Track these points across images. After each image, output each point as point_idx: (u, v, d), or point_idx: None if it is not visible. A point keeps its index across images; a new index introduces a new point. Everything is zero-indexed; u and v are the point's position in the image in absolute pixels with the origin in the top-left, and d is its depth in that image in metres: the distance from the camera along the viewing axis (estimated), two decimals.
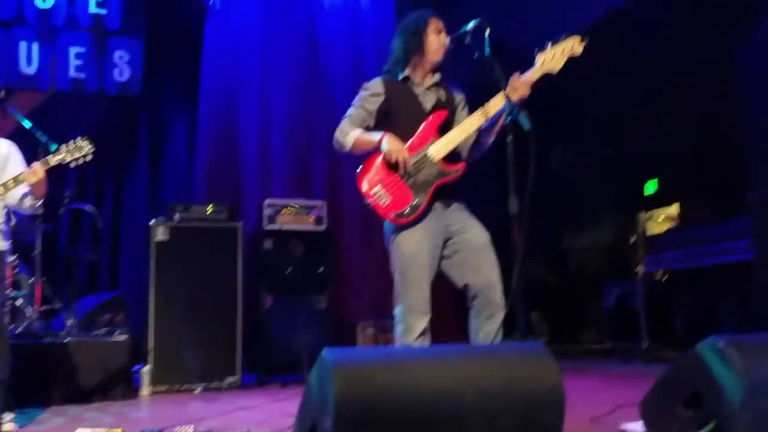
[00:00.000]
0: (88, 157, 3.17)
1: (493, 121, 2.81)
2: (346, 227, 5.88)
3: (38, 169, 3.10)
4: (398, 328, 2.77)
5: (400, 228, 2.79)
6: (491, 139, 2.89)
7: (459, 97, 3.04)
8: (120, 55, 5.78)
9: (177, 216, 4.82)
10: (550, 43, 2.77)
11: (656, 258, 6.07)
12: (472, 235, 2.83)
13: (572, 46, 2.76)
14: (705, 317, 5.49)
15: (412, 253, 2.76)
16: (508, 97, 2.66)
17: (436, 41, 2.93)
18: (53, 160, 3.15)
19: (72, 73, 5.65)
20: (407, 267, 2.76)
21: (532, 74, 2.76)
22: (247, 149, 6.02)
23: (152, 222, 4.75)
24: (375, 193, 2.81)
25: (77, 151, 3.15)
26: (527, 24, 5.40)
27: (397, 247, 2.80)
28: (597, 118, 7.29)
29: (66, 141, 3.19)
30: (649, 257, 6.28)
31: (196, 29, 5.99)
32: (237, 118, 6.06)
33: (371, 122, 2.95)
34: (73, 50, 5.68)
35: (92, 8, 5.72)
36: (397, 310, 2.78)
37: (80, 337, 4.22)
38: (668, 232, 6.57)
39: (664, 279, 6.36)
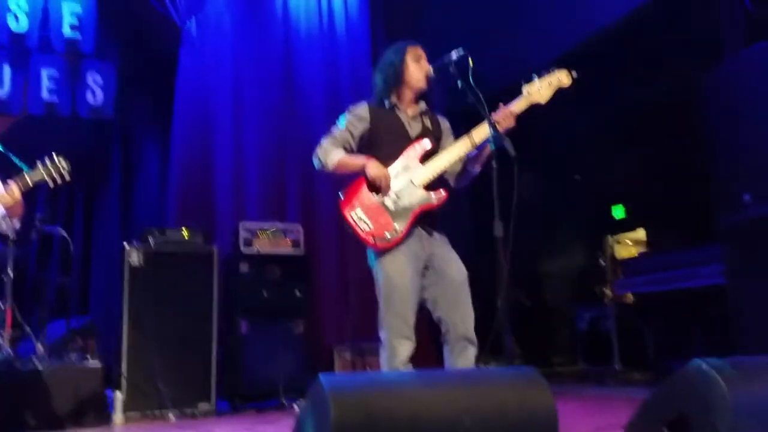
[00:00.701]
0: (66, 177, 3.13)
1: (479, 149, 2.86)
2: (323, 251, 5.87)
3: (15, 190, 3.06)
4: (384, 354, 2.78)
5: (385, 253, 2.81)
6: (478, 168, 2.94)
7: (445, 125, 3.09)
8: (94, 79, 5.74)
9: (152, 240, 4.77)
10: (536, 76, 2.84)
11: (628, 282, 6.18)
12: (452, 271, 2.87)
13: (559, 79, 2.83)
14: (676, 340, 5.59)
15: (397, 278, 2.77)
16: (492, 126, 2.71)
17: (416, 69, 2.97)
18: (31, 180, 3.11)
19: (45, 96, 5.59)
20: (392, 292, 2.77)
21: (518, 105, 2.82)
22: (220, 174, 5.98)
23: (127, 246, 4.68)
24: (357, 218, 2.83)
25: (54, 170, 3.11)
26: (500, 56, 5.53)
27: (381, 272, 2.81)
28: (566, 144, 7.43)
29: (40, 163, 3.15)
30: (621, 281, 6.39)
31: (171, 54, 5.96)
32: (210, 143, 6.02)
33: (354, 145, 2.98)
34: (46, 73, 5.62)
35: (66, 32, 5.68)
36: (383, 336, 2.79)
37: (52, 363, 4.12)
38: (640, 256, 6.70)
39: (635, 302, 6.46)
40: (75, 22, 5.70)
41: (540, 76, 2.84)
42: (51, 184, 3.16)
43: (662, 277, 5.56)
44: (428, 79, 2.98)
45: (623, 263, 6.77)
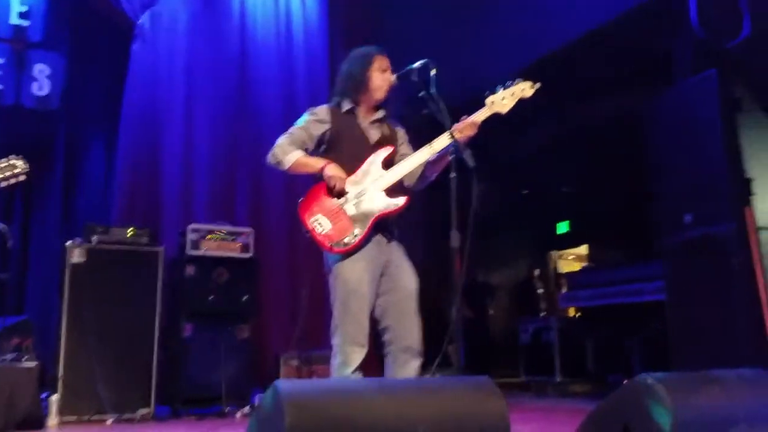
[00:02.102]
0: (21, 177, 3.00)
1: (439, 156, 2.88)
2: (272, 256, 5.80)
3: None
4: (335, 360, 2.76)
5: (342, 258, 2.79)
6: (435, 173, 2.97)
7: (401, 133, 3.11)
8: (40, 69, 5.53)
9: (95, 238, 4.64)
10: (500, 86, 2.88)
11: (572, 295, 6.31)
12: (405, 280, 2.88)
13: (522, 90, 2.87)
14: (616, 354, 5.75)
15: (354, 284, 2.76)
16: (453, 136, 2.74)
17: (380, 79, 2.99)
18: None
19: None
20: (348, 298, 2.76)
21: (480, 115, 2.85)
22: (168, 174, 5.85)
23: (68, 243, 4.54)
24: (315, 222, 2.81)
25: (9, 169, 2.98)
26: (457, 70, 5.58)
27: (338, 278, 2.80)
28: (515, 160, 7.56)
29: None
30: (565, 294, 6.53)
31: (123, 47, 5.82)
32: (159, 141, 5.89)
33: (311, 146, 2.96)
34: None
35: (14, 19, 5.47)
36: (336, 342, 2.77)
37: None
38: (584, 270, 6.86)
39: (577, 316, 6.62)
40: (24, 9, 5.51)
41: (504, 86, 2.88)
42: (3, 185, 3.01)
43: (605, 292, 5.71)
44: (389, 90, 2.99)
45: (567, 277, 6.92)
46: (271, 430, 1.73)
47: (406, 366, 2.78)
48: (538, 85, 2.87)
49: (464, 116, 2.83)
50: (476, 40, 5.99)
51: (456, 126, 2.77)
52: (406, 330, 2.81)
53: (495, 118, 2.88)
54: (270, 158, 2.93)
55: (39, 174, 5.73)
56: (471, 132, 2.81)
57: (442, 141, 2.81)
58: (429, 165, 2.94)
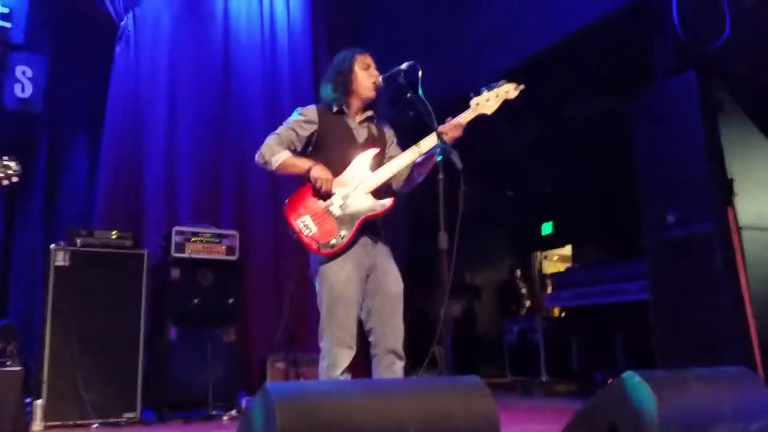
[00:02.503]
0: (14, 179, 2.95)
1: (425, 157, 2.89)
2: (257, 258, 5.79)
3: None
4: (323, 363, 2.75)
5: (328, 260, 2.79)
6: (422, 175, 2.97)
7: (389, 134, 3.11)
8: (23, 71, 5.49)
9: (79, 240, 4.61)
10: (485, 88, 2.89)
11: (557, 295, 6.35)
12: (390, 283, 2.87)
13: (507, 91, 2.89)
14: (600, 353, 5.79)
15: (341, 286, 2.75)
16: (440, 137, 2.75)
17: (365, 77, 2.98)
18: None
19: None
20: (335, 300, 2.75)
21: (465, 116, 2.86)
22: (151, 176, 5.82)
23: (52, 246, 4.51)
24: (301, 224, 2.80)
25: (2, 170, 2.93)
26: (440, 70, 5.61)
27: (324, 280, 2.79)
28: (500, 162, 7.60)
29: None
30: (550, 295, 6.56)
31: (106, 49, 5.79)
32: (143, 143, 5.86)
33: (298, 146, 2.95)
34: None
35: None
36: (323, 344, 2.76)
37: None
38: (568, 271, 6.90)
39: (562, 315, 6.66)
40: (5, 11, 5.46)
41: (489, 87, 2.89)
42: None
43: (589, 292, 5.75)
44: (377, 88, 2.99)
45: (552, 278, 6.96)
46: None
47: (391, 367, 2.79)
48: (522, 86, 2.88)
49: (449, 117, 2.84)
50: (460, 41, 6.01)
51: (442, 127, 2.78)
52: (390, 333, 2.81)
53: (480, 119, 2.90)
54: (258, 158, 2.93)
55: (22, 176, 5.66)
56: (456, 133, 2.82)
57: (429, 142, 2.82)
58: (416, 166, 2.95)
